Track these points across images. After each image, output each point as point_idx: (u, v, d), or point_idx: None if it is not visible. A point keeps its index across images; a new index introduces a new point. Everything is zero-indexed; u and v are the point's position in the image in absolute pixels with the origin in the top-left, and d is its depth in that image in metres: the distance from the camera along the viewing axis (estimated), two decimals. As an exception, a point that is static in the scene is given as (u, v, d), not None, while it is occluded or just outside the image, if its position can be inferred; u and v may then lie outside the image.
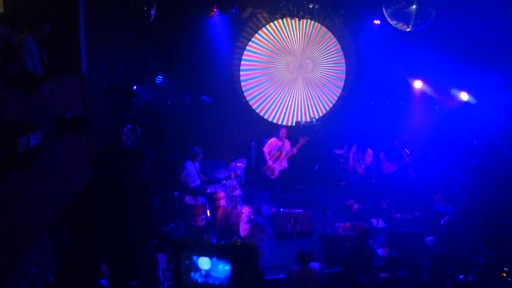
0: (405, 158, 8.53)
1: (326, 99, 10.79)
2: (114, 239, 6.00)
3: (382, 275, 5.20)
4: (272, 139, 8.85)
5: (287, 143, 8.85)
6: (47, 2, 4.71)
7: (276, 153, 8.75)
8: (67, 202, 4.81)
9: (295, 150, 8.79)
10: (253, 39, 9.93)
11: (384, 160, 8.77)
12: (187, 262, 4.98)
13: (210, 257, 4.86)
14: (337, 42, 10.41)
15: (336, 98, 10.82)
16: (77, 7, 4.96)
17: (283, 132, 8.79)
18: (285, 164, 8.88)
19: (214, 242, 5.15)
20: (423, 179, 8.62)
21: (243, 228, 7.60)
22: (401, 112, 9.67)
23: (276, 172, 8.80)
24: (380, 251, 6.98)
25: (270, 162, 8.72)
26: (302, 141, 8.74)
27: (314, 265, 5.42)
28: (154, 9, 6.37)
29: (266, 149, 8.80)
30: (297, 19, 9.72)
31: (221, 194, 7.84)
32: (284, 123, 10.62)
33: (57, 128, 4.38)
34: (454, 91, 7.95)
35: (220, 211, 7.71)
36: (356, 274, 5.18)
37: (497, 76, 6.84)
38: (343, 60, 10.57)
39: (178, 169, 7.87)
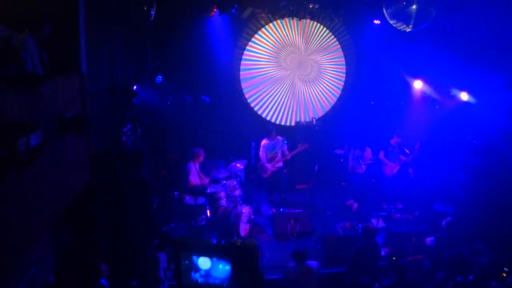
0: (404, 158, 8.52)
1: (326, 99, 10.78)
2: (114, 239, 6.00)
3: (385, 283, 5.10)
4: (263, 141, 8.74)
5: (280, 141, 8.74)
6: (47, 2, 4.71)
7: (270, 153, 8.69)
8: (67, 202, 4.81)
9: (289, 156, 8.70)
10: (253, 39, 9.92)
11: (384, 160, 8.77)
12: (187, 262, 4.98)
13: (210, 257, 4.85)
14: (337, 42, 10.40)
15: (336, 98, 10.80)
16: (77, 7, 4.96)
17: (272, 131, 8.66)
18: (279, 164, 8.85)
19: (214, 242, 5.15)
20: (423, 178, 8.60)
21: (243, 228, 7.59)
22: (401, 112, 9.65)
23: (269, 172, 8.75)
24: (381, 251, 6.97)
25: (265, 164, 8.69)
26: (300, 147, 8.63)
27: (312, 263, 5.40)
28: (154, 9, 6.36)
29: (261, 152, 8.77)
30: (297, 19, 9.71)
31: (221, 194, 7.83)
32: (283, 123, 10.61)
33: (57, 128, 4.37)
34: (454, 91, 7.95)
35: (220, 211, 7.70)
36: (360, 274, 5.16)
37: (496, 76, 6.84)
38: (343, 60, 10.57)
39: (180, 171, 7.86)
